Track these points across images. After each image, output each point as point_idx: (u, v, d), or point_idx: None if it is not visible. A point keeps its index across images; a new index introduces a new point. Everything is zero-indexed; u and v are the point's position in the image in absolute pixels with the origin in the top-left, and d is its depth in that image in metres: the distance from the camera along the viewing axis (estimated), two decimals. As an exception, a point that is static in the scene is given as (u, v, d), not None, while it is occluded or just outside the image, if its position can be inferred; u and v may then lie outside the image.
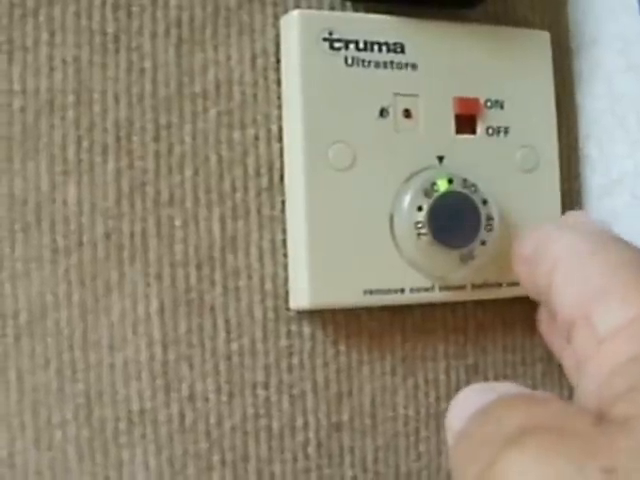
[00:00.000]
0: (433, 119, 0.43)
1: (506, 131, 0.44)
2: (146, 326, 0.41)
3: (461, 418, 0.32)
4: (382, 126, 0.42)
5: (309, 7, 0.43)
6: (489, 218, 0.42)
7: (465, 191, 0.42)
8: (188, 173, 0.41)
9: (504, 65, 0.45)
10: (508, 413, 0.29)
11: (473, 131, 0.44)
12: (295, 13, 0.42)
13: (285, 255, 0.42)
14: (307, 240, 0.41)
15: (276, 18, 0.43)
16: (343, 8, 0.44)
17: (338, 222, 0.41)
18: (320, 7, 0.44)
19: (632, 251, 0.33)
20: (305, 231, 0.41)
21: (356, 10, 0.44)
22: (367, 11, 0.44)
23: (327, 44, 0.42)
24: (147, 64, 0.41)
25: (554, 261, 0.35)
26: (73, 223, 0.40)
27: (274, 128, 0.42)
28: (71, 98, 0.40)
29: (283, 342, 0.43)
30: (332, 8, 0.44)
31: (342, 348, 0.43)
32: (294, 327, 0.43)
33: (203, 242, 0.41)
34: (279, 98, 0.43)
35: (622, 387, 0.28)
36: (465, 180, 0.42)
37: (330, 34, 0.42)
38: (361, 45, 0.42)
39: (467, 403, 0.33)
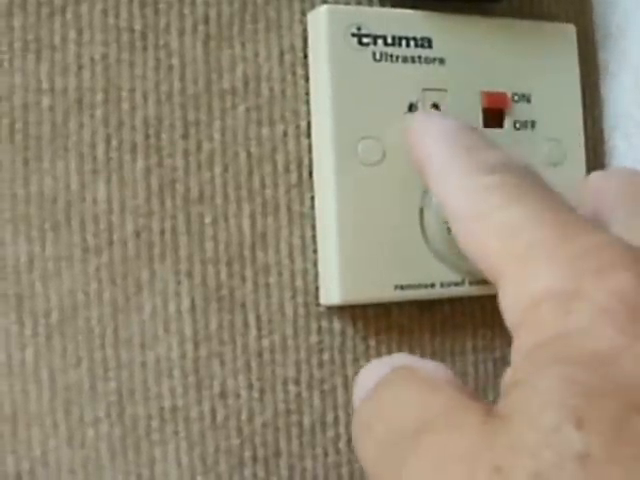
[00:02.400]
0: (461, 113, 0.41)
1: (533, 125, 0.43)
2: (177, 323, 0.40)
3: (360, 398, 0.31)
4: (411, 121, 0.41)
5: (336, 2, 0.42)
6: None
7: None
8: (217, 170, 0.40)
9: (530, 59, 0.43)
10: (402, 405, 0.28)
11: (500, 125, 0.43)
12: (323, 8, 0.41)
13: (315, 251, 0.41)
14: (337, 235, 0.40)
15: (303, 14, 0.42)
16: (370, 3, 0.43)
17: (368, 217, 0.40)
18: (347, 2, 0.43)
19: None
20: (335, 227, 0.40)
21: (383, 5, 0.43)
22: (394, 6, 0.43)
23: (355, 39, 0.41)
24: (175, 61, 0.40)
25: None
26: (103, 221, 0.39)
27: (303, 124, 0.41)
28: (100, 96, 0.39)
29: (314, 338, 0.42)
30: (359, 3, 0.43)
31: (372, 343, 0.43)
32: (324, 323, 0.42)
33: (233, 239, 0.40)
34: (307, 94, 0.42)
35: (510, 380, 0.26)
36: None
37: (358, 29, 0.41)
38: (389, 40, 0.41)
39: (366, 381, 0.31)
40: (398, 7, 0.42)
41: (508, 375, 0.27)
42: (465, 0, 0.43)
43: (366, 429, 0.29)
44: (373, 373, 0.31)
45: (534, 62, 0.44)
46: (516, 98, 0.43)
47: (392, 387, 0.30)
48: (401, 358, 0.32)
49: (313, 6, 0.42)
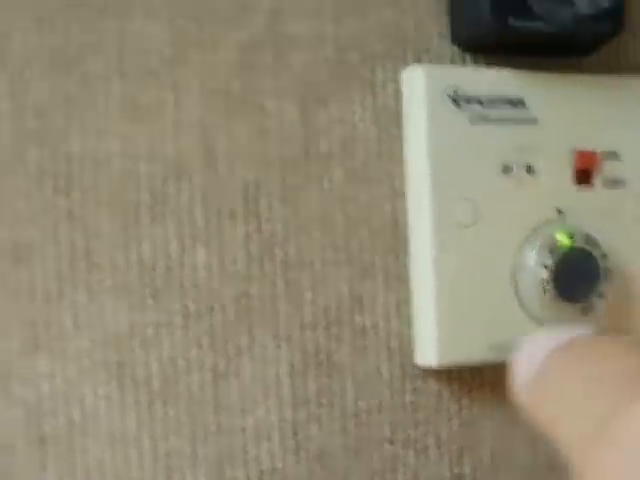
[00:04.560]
0: (553, 173, 0.41)
1: (622, 182, 0.43)
2: (276, 388, 0.39)
3: (534, 365, 0.29)
4: (505, 182, 0.40)
5: (429, 60, 0.41)
6: (608, 271, 0.41)
7: (587, 247, 0.40)
8: (316, 234, 0.40)
9: (619, 115, 0.43)
10: (618, 351, 0.26)
11: (590, 182, 0.42)
12: (420, 70, 0.40)
13: (410, 312, 0.41)
14: (435, 297, 0.39)
15: (396, 72, 0.41)
16: (462, 59, 0.42)
17: (463, 278, 0.40)
18: (440, 59, 0.42)
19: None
20: (433, 288, 0.39)
21: (475, 61, 0.42)
22: (486, 61, 0.42)
23: (452, 101, 0.40)
24: (272, 124, 0.39)
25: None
26: (203, 288, 0.38)
27: (397, 184, 0.41)
28: (198, 162, 0.38)
29: (409, 398, 0.41)
30: (452, 60, 0.42)
31: (465, 402, 0.42)
32: (420, 383, 0.41)
33: (331, 303, 0.40)
34: (401, 153, 0.41)
35: None
36: (586, 235, 0.40)
37: (455, 91, 0.40)
38: (484, 101, 0.40)
39: (538, 349, 0.29)
40: (490, 62, 0.42)
41: None
42: (555, 54, 0.42)
43: (559, 390, 0.27)
44: (542, 346, 0.29)
45: (623, 118, 0.43)
46: (606, 156, 0.42)
47: (592, 345, 0.28)
48: (580, 328, 0.30)
49: (406, 63, 0.41)
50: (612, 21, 0.41)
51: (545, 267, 0.40)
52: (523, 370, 0.30)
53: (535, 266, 0.40)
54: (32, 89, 0.37)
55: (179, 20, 0.38)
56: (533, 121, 0.41)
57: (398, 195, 0.41)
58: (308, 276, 0.39)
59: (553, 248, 0.40)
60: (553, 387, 0.28)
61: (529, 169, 0.41)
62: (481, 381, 0.42)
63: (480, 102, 0.40)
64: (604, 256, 0.41)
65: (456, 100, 0.40)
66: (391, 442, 0.41)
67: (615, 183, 0.43)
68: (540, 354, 0.28)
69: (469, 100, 0.40)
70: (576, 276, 0.40)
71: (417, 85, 0.40)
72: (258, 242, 0.39)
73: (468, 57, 0.42)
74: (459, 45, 0.42)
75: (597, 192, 0.42)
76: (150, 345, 0.37)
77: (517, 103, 0.41)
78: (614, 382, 0.25)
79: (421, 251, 0.40)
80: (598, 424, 0.24)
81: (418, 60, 0.41)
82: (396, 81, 0.41)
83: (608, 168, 0.42)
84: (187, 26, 0.38)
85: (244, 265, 0.38)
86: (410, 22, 0.41)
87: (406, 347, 0.41)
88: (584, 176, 0.42)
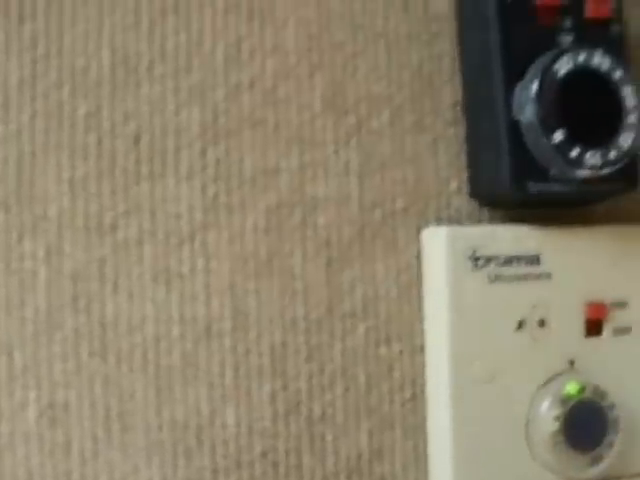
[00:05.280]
0: (565, 325, 0.43)
1: (630, 330, 0.44)
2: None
3: None
4: (519, 338, 0.42)
5: (448, 215, 0.43)
6: (617, 421, 0.42)
7: (596, 399, 0.42)
8: (339, 391, 0.41)
9: (629, 263, 0.44)
10: None
11: (600, 332, 0.44)
12: (442, 232, 0.41)
13: (427, 463, 0.43)
14: (452, 450, 0.41)
15: (417, 231, 0.42)
16: (480, 214, 0.43)
17: (479, 431, 0.41)
18: (459, 213, 0.43)
19: None
20: (449, 441, 0.41)
21: (493, 215, 0.43)
22: (504, 215, 0.43)
23: (471, 262, 0.41)
24: (299, 286, 0.41)
25: None
26: (232, 444, 0.40)
27: (417, 341, 0.42)
28: (228, 324, 0.40)
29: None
30: (470, 214, 0.43)
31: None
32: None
33: (352, 453, 0.41)
34: (420, 311, 0.42)
35: None
36: (596, 387, 0.42)
37: (474, 252, 0.41)
38: (501, 261, 0.42)
39: None
40: (506, 217, 0.43)
41: None
42: (567, 205, 0.44)
43: None
44: None
45: (631, 266, 0.44)
46: (615, 305, 0.44)
47: None
48: None
49: (427, 223, 0.42)
50: (626, 179, 0.42)
51: (555, 419, 0.41)
52: None
53: (546, 418, 0.41)
54: (67, 254, 0.38)
55: (209, 184, 0.40)
56: (547, 276, 0.42)
57: (417, 351, 0.42)
58: (331, 430, 0.41)
59: (563, 400, 0.41)
60: None
61: (542, 323, 0.42)
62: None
63: (498, 261, 0.42)
64: (612, 406, 0.42)
65: (475, 260, 0.41)
66: None
67: (624, 330, 0.44)
68: None
69: (487, 260, 0.41)
70: (585, 427, 0.42)
71: (437, 246, 0.41)
72: (284, 400, 0.40)
73: (486, 211, 0.43)
74: (477, 199, 0.43)
75: (607, 340, 0.44)
76: (181, 500, 0.39)
77: (533, 260, 0.42)
78: None
79: (438, 405, 0.41)
80: None
81: (438, 215, 0.43)
82: (417, 240, 0.42)
83: (617, 317, 0.44)
84: (217, 190, 0.40)
85: (271, 422, 0.40)
86: (430, 178, 0.43)
87: (423, 494, 0.43)
88: (594, 326, 0.43)
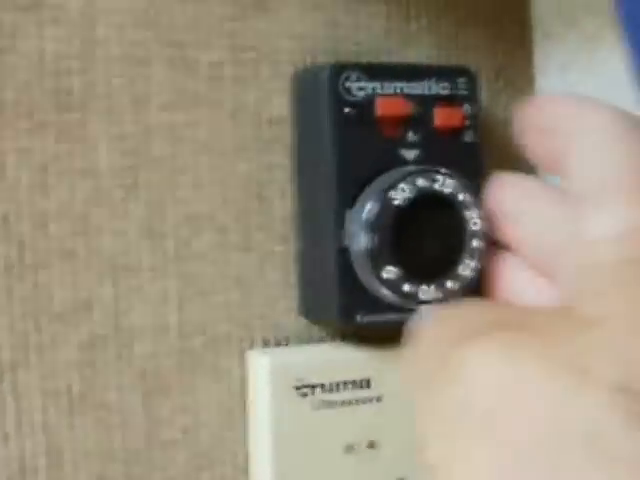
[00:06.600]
0: (396, 444, 0.41)
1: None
2: None
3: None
4: (347, 460, 0.41)
5: (276, 339, 0.41)
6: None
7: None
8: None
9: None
10: (470, 312, 0.30)
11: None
12: (265, 362, 0.40)
13: None
14: None
15: (242, 354, 0.41)
16: (310, 332, 0.41)
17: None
18: (287, 336, 0.41)
19: None
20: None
21: (322, 336, 0.42)
22: (334, 334, 0.42)
23: (295, 390, 0.40)
24: (116, 418, 0.39)
25: (576, 136, 0.31)
26: None
27: (241, 461, 0.41)
28: (42, 461, 0.38)
29: None
30: (299, 333, 0.41)
31: None
32: None
33: None
34: (245, 433, 0.41)
35: (602, 285, 0.27)
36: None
37: (298, 381, 0.39)
38: (328, 387, 0.40)
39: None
40: (339, 338, 0.42)
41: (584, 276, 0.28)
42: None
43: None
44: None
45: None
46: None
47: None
48: None
49: (252, 345, 0.41)
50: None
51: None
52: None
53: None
54: None
55: (17, 322, 0.38)
56: (378, 399, 0.41)
57: (240, 471, 0.41)
58: None
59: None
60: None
61: (372, 444, 0.41)
62: None
63: (324, 389, 0.40)
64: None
65: (298, 389, 0.40)
66: None
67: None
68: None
69: (312, 388, 0.40)
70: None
71: (260, 374, 0.40)
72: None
73: (317, 330, 0.42)
74: (307, 318, 0.41)
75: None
76: None
77: (362, 384, 0.41)
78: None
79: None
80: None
81: (265, 337, 0.41)
82: (242, 364, 0.41)
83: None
84: (25, 328, 0.38)
85: None
86: (257, 299, 0.41)
87: None
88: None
